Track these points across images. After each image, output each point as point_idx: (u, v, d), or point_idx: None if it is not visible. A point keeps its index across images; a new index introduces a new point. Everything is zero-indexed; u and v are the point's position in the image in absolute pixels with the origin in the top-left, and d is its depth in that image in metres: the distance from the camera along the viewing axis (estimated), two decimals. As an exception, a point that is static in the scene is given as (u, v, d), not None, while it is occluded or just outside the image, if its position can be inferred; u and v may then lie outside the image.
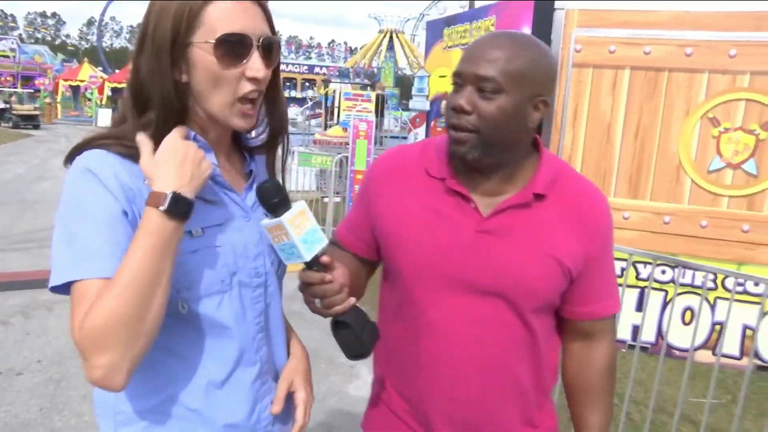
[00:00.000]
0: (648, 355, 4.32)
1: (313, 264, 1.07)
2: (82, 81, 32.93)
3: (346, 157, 7.41)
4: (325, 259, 1.08)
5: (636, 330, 4.34)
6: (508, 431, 1.28)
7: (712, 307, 4.31)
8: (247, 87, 1.00)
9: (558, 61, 4.44)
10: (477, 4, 20.88)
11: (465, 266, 1.19)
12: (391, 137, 15.10)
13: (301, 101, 28.42)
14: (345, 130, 10.15)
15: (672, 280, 4.29)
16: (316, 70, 34.13)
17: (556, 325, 1.30)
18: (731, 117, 4.14)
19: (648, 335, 4.40)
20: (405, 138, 13.70)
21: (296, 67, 33.63)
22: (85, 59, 38.40)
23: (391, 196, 1.27)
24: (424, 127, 11.73)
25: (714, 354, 4.07)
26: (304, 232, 1.04)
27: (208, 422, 1.07)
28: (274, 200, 1.04)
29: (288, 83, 32.37)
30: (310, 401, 1.21)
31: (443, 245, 1.20)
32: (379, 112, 14.20)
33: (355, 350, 1.14)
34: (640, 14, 4.20)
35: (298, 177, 8.65)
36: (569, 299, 1.25)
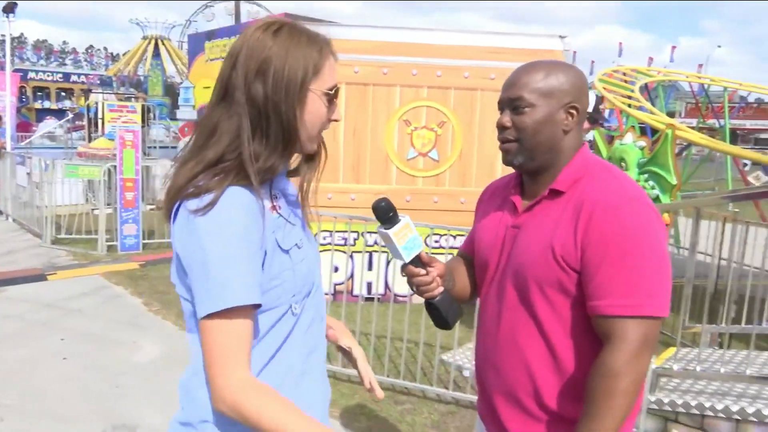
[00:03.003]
0: (380, 303, 5.55)
1: (414, 262, 1.35)
2: None
3: (115, 167, 7.56)
4: (424, 257, 1.37)
5: (370, 285, 5.59)
6: (517, 402, 1.37)
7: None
8: (327, 125, 1.21)
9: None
10: (242, 5, 21.38)
11: (499, 256, 1.42)
12: (161, 147, 14.73)
13: (58, 113, 25.95)
14: (112, 141, 10.15)
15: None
16: (73, 78, 31.39)
17: (583, 323, 1.29)
18: (418, 119, 5.61)
19: (379, 288, 5.65)
20: (175, 147, 13.81)
21: (49, 75, 30.58)
22: None
23: (483, 210, 1.57)
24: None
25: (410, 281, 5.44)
26: (405, 241, 1.32)
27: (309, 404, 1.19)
28: (389, 215, 1.31)
29: (40, 93, 29.35)
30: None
31: (488, 240, 1.46)
32: (145, 122, 14.02)
33: (439, 324, 1.42)
34: (349, 42, 5.43)
35: (64, 190, 8.47)
36: (586, 294, 1.27)
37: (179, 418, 1.18)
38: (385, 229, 1.29)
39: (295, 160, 1.27)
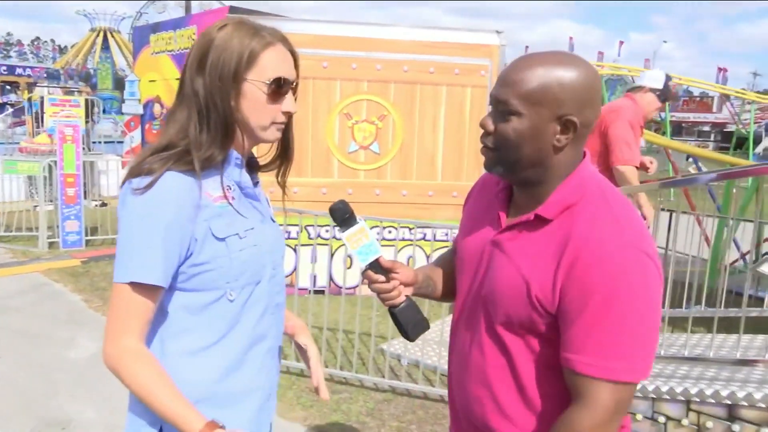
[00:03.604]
0: (324, 295, 5.59)
1: (373, 267, 1.31)
2: None
3: (55, 162, 7.38)
4: (384, 262, 1.32)
5: (314, 278, 5.61)
6: None
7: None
8: (281, 117, 1.22)
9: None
10: (193, 5, 21.13)
11: (475, 274, 1.28)
12: (106, 142, 14.40)
13: (2, 107, 24.99)
14: (50, 136, 9.90)
15: (333, 236, 5.64)
16: (18, 71, 30.30)
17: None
18: (359, 112, 5.67)
19: (322, 281, 5.68)
20: (122, 142, 13.49)
21: (-9, 68, 29.49)
22: None
23: (470, 203, 1.42)
24: (139, 130, 11.89)
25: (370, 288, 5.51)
26: (360, 246, 1.30)
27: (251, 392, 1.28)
28: (345, 217, 1.31)
29: (-18, 86, 28.25)
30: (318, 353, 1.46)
31: (469, 254, 1.31)
32: (90, 116, 13.67)
33: (402, 334, 1.36)
34: (289, 35, 5.40)
35: (4, 186, 8.20)
36: (561, 341, 1.14)
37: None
38: (340, 232, 1.31)
39: (267, 154, 1.34)
